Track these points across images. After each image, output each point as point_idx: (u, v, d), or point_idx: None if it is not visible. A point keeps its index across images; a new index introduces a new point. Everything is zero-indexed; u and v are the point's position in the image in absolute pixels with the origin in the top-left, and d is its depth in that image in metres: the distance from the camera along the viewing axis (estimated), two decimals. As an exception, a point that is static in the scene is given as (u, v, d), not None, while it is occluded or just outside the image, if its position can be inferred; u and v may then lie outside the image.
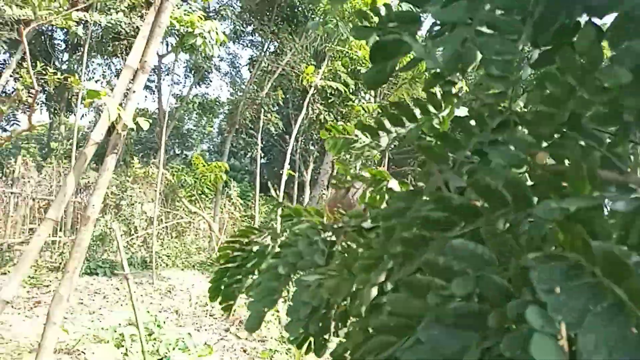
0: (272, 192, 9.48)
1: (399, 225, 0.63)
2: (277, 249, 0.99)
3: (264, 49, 14.07)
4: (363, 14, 0.77)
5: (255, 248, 1.06)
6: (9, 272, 6.94)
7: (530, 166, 0.60)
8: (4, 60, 14.28)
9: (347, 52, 9.74)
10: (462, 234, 0.53)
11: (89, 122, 17.49)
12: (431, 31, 0.71)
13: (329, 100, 11.79)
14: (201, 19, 7.06)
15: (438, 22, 0.69)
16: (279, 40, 12.92)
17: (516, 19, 0.59)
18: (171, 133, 15.16)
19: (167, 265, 8.79)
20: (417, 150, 0.77)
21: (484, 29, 0.60)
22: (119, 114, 2.52)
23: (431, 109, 0.96)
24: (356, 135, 1.18)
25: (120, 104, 2.57)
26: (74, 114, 15.68)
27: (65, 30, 11.99)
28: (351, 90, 11.12)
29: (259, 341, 5.14)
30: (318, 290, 0.81)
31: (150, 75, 15.92)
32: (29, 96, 5.77)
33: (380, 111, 1.04)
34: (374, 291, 0.67)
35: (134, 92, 2.55)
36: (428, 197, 0.62)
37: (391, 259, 0.63)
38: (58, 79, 6.50)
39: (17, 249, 7.93)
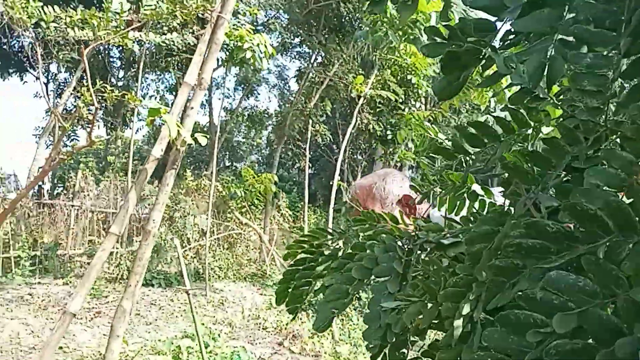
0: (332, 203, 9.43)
1: (487, 252, 0.59)
2: (350, 251, 0.96)
3: (312, 60, 14.15)
4: (434, 30, 0.72)
5: (327, 251, 1.03)
6: (70, 282, 7.21)
7: (628, 187, 0.53)
8: (64, 78, 15.05)
9: (397, 60, 9.63)
10: (559, 263, 0.49)
11: (143, 136, 18.11)
12: (505, 41, 0.68)
13: (378, 110, 11.68)
14: (250, 32, 7.14)
15: (514, 31, 0.65)
16: (326, 51, 12.96)
17: (607, 32, 0.53)
18: (222, 145, 15.46)
19: (219, 277, 8.89)
20: (503, 169, 0.71)
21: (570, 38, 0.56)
22: (178, 131, 2.53)
23: (515, 126, 0.90)
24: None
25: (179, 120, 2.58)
26: (130, 128, 16.31)
27: (121, 47, 12.52)
28: (401, 99, 10.98)
29: (312, 356, 5.06)
30: (399, 317, 0.76)
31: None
32: (89, 113, 5.99)
33: (457, 131, 0.97)
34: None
35: (191, 108, 2.56)
36: (519, 220, 0.57)
37: (480, 288, 0.60)
38: (116, 96, 6.72)
39: (78, 260, 8.24)
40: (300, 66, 15.92)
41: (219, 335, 4.79)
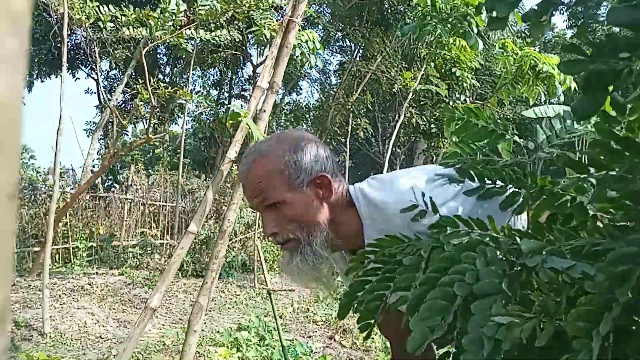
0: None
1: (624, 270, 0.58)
2: (439, 263, 0.86)
3: (354, 54, 14.12)
4: (574, 48, 0.71)
5: (406, 261, 0.96)
6: (125, 272, 7.50)
7: None
8: (114, 75, 15.55)
9: (442, 53, 9.50)
10: None
11: (187, 130, 18.51)
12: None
13: (421, 103, 11.58)
14: (299, 29, 7.20)
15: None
16: (368, 45, 12.90)
17: None
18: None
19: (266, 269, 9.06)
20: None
21: None
22: (248, 132, 2.60)
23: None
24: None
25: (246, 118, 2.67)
26: (176, 124, 16.70)
27: (167, 45, 12.84)
28: (444, 93, 10.85)
29: (363, 350, 5.13)
30: (509, 333, 0.74)
31: (244, 85, 16.61)
32: (147, 110, 6.21)
33: (595, 145, 0.92)
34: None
35: (264, 111, 2.63)
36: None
37: (619, 308, 0.58)
38: (168, 92, 6.95)
39: (130, 251, 8.56)
40: (341, 60, 15.90)
41: (273, 328, 4.91)
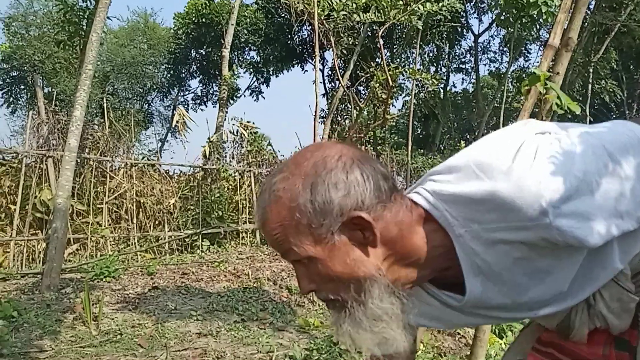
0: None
1: None
2: None
3: (593, 5, 12.19)
4: None
5: None
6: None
7: None
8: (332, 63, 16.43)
9: None
10: None
11: (398, 110, 18.67)
12: None
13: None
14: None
15: None
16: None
17: None
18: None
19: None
20: None
21: None
22: (540, 98, 2.29)
23: None
24: None
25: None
26: (393, 106, 16.91)
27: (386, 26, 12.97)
28: None
29: None
30: None
31: (463, 58, 15.89)
32: (383, 92, 6.31)
33: None
34: None
35: (557, 73, 2.28)
36: None
37: None
38: (399, 71, 6.94)
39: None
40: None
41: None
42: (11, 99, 18.48)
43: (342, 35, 10.08)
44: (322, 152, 0.82)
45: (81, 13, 7.41)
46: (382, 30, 5.80)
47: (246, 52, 17.74)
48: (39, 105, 6.20)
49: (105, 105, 6.28)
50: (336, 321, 0.85)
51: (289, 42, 15.27)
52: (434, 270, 0.85)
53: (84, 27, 7.51)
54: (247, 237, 8.67)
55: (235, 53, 16.16)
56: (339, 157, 0.80)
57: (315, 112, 5.15)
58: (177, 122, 8.79)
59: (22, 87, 19.25)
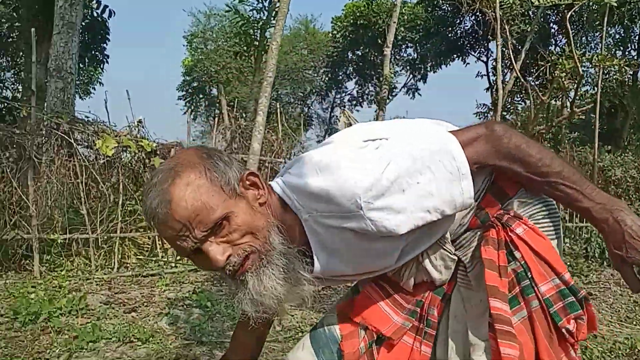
0: None
1: None
2: None
3: None
4: None
5: None
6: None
7: None
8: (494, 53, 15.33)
9: None
10: None
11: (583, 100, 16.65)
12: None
13: None
14: None
15: None
16: None
17: None
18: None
19: None
20: None
21: None
22: None
23: None
24: None
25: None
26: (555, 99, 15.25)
27: (557, 10, 11.64)
28: None
29: None
30: None
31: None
32: (569, 82, 5.63)
33: None
34: None
35: None
36: None
37: None
38: (586, 58, 6.13)
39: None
40: None
41: None
42: (192, 107, 20.87)
43: (513, 22, 9.32)
44: (180, 157, 0.96)
45: (256, 24, 7.94)
46: (570, 12, 5.13)
47: (403, 50, 17.53)
48: (223, 112, 6.77)
49: (278, 110, 6.62)
50: (257, 279, 0.94)
51: (449, 35, 14.67)
52: (300, 244, 0.99)
53: (258, 38, 8.04)
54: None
55: (393, 51, 16.06)
56: (199, 155, 0.97)
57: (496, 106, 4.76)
58: (344, 123, 9.00)
59: (201, 96, 21.66)
